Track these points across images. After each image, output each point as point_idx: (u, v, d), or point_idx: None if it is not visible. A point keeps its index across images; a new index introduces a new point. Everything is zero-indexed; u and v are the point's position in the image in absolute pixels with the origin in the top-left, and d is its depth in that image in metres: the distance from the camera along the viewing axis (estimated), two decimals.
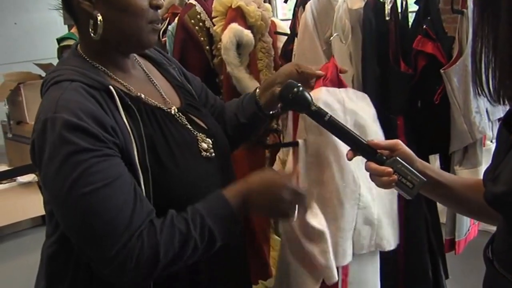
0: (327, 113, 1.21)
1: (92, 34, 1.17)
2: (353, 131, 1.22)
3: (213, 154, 1.28)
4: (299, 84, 1.25)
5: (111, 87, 1.15)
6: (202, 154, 1.27)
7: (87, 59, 1.21)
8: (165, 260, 1.08)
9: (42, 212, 4.47)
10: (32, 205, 4.49)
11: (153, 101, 1.25)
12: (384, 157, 1.16)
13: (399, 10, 1.71)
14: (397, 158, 1.15)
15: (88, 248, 1.10)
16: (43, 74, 5.01)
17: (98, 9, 1.16)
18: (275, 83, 1.40)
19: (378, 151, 1.18)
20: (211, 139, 1.30)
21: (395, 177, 1.14)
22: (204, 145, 1.28)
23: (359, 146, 1.19)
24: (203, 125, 1.33)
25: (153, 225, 1.09)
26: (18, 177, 4.45)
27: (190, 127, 1.29)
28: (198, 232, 1.11)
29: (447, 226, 1.69)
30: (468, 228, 1.73)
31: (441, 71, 1.57)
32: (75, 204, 1.06)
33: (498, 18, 0.89)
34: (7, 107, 4.80)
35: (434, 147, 1.75)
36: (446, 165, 1.74)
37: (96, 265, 1.11)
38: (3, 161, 5.11)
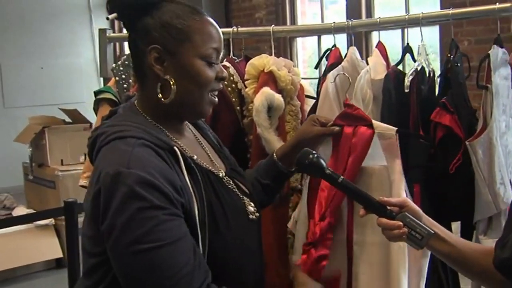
0: (340, 176, 1.35)
1: (160, 97, 1.24)
2: (364, 191, 1.35)
3: (257, 217, 1.36)
4: (314, 152, 1.38)
5: (175, 148, 1.20)
6: (250, 217, 1.34)
7: (147, 118, 1.27)
8: None
9: (57, 256, 4.54)
10: (47, 247, 4.52)
11: (205, 163, 1.31)
12: (394, 213, 1.29)
13: (427, 81, 1.78)
14: (406, 213, 1.28)
15: None
16: (67, 119, 5.14)
17: (169, 73, 1.24)
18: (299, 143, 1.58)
19: (388, 207, 1.29)
20: (254, 203, 1.38)
21: (405, 230, 1.26)
22: (251, 208, 1.36)
23: (370, 204, 1.32)
24: (245, 189, 1.40)
25: None
26: None
27: (237, 191, 1.35)
28: None
29: None
30: None
31: (467, 143, 1.63)
32: (140, 257, 1.09)
33: None
34: (30, 149, 4.90)
35: (453, 215, 1.79)
36: (466, 234, 1.77)
37: None
38: (22, 202, 5.18)
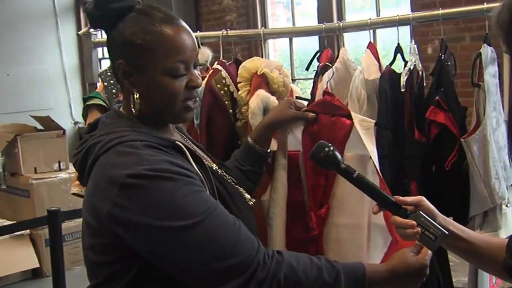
0: (355, 170, 1.32)
1: (132, 108, 1.26)
2: (379, 188, 1.32)
3: (253, 203, 1.44)
4: (330, 144, 1.36)
5: (178, 142, 1.23)
6: (249, 203, 1.41)
7: (136, 121, 1.28)
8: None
9: (33, 266, 4.43)
10: (24, 258, 4.41)
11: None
12: (408, 212, 1.26)
13: (416, 80, 1.82)
14: (420, 212, 1.26)
15: (222, 270, 1.12)
16: (39, 126, 5.03)
17: (136, 87, 1.25)
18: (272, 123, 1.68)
19: (403, 206, 1.27)
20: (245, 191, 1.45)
21: (418, 229, 1.23)
22: (247, 195, 1.43)
23: (385, 202, 1.29)
24: (235, 180, 1.45)
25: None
26: None
27: (231, 181, 1.41)
28: (332, 276, 1.18)
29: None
30: None
31: (462, 139, 1.67)
32: (200, 228, 1.11)
33: None
34: (2, 158, 4.78)
35: (448, 210, 1.83)
36: None
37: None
38: None
